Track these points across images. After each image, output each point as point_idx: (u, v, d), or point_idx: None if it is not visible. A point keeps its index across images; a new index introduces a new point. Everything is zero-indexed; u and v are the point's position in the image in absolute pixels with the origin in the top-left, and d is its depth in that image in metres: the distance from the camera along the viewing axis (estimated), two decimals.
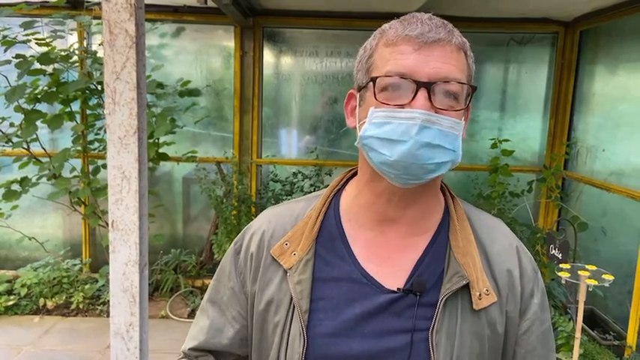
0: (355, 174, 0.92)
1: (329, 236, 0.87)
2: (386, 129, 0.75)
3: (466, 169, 4.32)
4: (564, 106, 4.16)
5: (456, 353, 0.79)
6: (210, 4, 3.41)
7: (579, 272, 2.19)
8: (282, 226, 0.90)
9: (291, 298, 0.83)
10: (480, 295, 0.81)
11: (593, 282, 2.16)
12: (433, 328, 0.79)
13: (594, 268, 2.26)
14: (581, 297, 2.16)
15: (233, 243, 0.96)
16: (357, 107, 0.83)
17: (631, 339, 3.10)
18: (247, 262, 0.91)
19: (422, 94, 0.74)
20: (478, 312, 0.81)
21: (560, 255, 2.53)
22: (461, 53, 0.79)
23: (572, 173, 4.08)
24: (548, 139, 4.29)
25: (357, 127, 0.82)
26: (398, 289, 0.81)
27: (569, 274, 2.23)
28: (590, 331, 3.24)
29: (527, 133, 4.37)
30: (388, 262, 0.84)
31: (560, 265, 2.33)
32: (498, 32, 4.22)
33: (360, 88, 0.83)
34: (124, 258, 1.10)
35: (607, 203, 3.63)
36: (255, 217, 1.00)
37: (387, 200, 0.83)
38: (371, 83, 0.78)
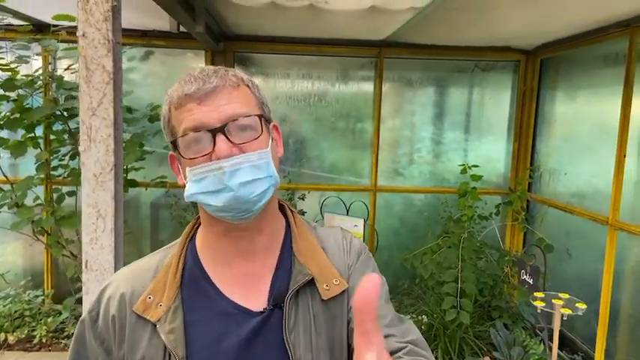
0: None
1: (192, 279, 0.89)
2: (204, 184, 0.81)
3: (435, 192, 4.40)
4: (527, 130, 4.30)
5: (314, 343, 0.85)
6: (183, 30, 3.40)
7: (553, 301, 2.22)
8: (142, 282, 0.89)
9: (165, 351, 0.82)
10: (327, 285, 0.88)
11: (567, 311, 2.20)
12: (285, 328, 0.84)
13: (567, 296, 2.30)
14: (556, 326, 2.19)
15: (87, 312, 0.92)
16: (180, 166, 0.89)
17: (598, 359, 3.16)
18: (109, 327, 0.88)
19: (220, 138, 0.80)
20: (328, 302, 0.88)
21: (532, 280, 2.57)
22: (240, 88, 0.86)
23: (536, 196, 4.19)
24: (512, 162, 4.41)
25: (186, 184, 0.87)
26: (264, 309, 0.86)
27: (543, 303, 2.26)
28: (559, 352, 3.29)
29: (492, 155, 4.49)
30: (252, 289, 0.88)
31: (535, 294, 2.36)
32: (463, 59, 4.35)
33: (174, 150, 0.89)
34: None
35: (570, 225, 3.73)
36: None
37: (231, 238, 0.88)
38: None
